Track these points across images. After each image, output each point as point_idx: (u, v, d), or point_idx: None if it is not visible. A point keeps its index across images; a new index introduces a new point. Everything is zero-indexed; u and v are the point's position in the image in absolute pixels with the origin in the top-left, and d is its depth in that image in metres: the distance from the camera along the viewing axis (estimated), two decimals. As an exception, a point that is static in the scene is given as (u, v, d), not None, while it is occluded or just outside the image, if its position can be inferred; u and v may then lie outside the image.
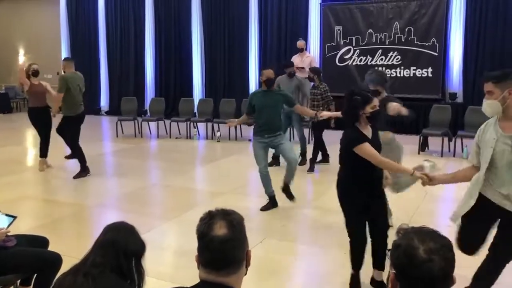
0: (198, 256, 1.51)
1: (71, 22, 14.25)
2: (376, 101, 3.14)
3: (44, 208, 5.48)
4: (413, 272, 1.30)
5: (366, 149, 3.04)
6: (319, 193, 5.94)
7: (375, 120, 3.18)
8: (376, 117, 3.16)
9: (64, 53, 14.30)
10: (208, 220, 1.50)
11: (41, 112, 6.86)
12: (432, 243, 1.32)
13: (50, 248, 3.08)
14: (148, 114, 11.30)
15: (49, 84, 7.09)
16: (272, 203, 5.18)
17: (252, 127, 5.38)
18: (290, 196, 5.22)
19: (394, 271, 1.36)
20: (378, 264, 3.34)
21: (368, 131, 3.17)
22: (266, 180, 5.14)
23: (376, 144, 3.20)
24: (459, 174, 3.05)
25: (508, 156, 2.57)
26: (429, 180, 2.97)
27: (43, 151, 7.00)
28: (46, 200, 5.76)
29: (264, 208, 5.13)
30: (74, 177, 6.57)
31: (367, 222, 3.30)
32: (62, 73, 6.82)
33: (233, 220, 1.50)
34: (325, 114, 5.03)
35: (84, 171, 6.66)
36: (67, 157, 7.12)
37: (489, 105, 2.61)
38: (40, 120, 6.89)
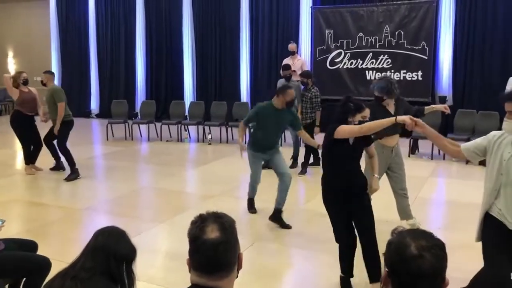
0: (190, 259, 1.50)
1: (61, 25, 14.16)
2: (367, 112, 3.21)
3: (33, 211, 5.42)
4: (404, 268, 1.31)
5: (343, 128, 3.14)
6: (309, 196, 5.95)
7: None
8: None
9: (54, 55, 14.21)
10: (200, 223, 1.49)
11: (26, 119, 6.81)
12: (424, 241, 1.33)
13: (39, 252, 3.06)
14: (139, 117, 11.24)
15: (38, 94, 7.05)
16: (250, 203, 5.23)
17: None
18: (284, 225, 4.73)
19: (387, 269, 1.37)
20: (370, 275, 3.24)
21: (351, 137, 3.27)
22: (254, 190, 5.15)
23: (357, 150, 3.35)
24: (443, 140, 2.91)
25: None
26: (415, 124, 2.87)
27: (28, 158, 6.95)
28: (35, 203, 5.70)
29: (253, 211, 5.19)
30: (66, 179, 6.56)
31: (354, 225, 3.31)
32: (42, 84, 6.92)
33: (225, 223, 1.50)
34: None
35: (74, 173, 6.64)
36: (53, 169, 7.09)
37: (509, 125, 2.57)
38: (24, 127, 6.83)
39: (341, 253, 3.39)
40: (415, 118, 2.92)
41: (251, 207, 5.21)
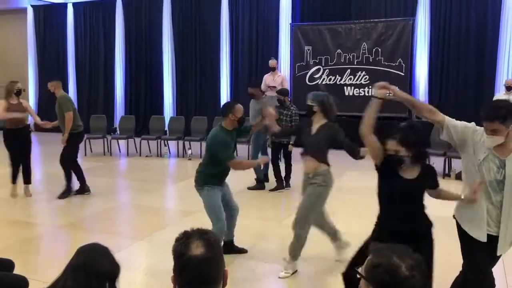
0: (175, 277, 1.49)
1: (38, 38, 14.03)
2: (390, 145, 2.73)
3: (9, 229, 5.29)
4: None
5: None
6: (290, 211, 5.96)
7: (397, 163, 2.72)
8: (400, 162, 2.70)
9: (31, 69, 14.04)
10: (185, 239, 1.49)
11: (18, 134, 6.39)
12: (409, 259, 1.39)
13: (15, 271, 2.99)
14: (118, 132, 11.15)
15: (29, 104, 6.78)
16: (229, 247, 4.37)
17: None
18: (240, 250, 4.50)
19: None
20: None
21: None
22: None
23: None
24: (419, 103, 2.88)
25: (493, 174, 2.64)
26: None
27: (13, 176, 6.54)
28: (11, 221, 5.58)
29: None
30: (59, 197, 6.34)
31: None
32: (52, 92, 6.55)
33: (210, 239, 1.50)
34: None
35: (68, 191, 6.42)
36: (77, 192, 6.61)
37: (493, 141, 2.63)
38: (17, 142, 6.40)
39: None
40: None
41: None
